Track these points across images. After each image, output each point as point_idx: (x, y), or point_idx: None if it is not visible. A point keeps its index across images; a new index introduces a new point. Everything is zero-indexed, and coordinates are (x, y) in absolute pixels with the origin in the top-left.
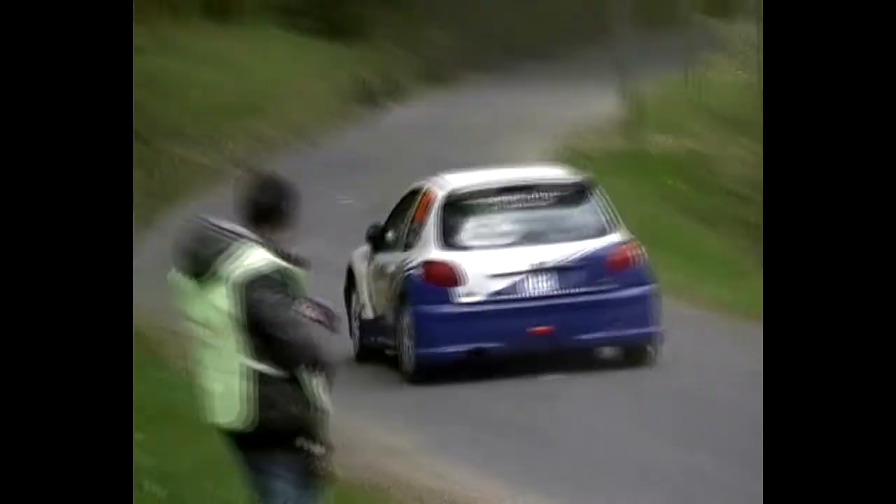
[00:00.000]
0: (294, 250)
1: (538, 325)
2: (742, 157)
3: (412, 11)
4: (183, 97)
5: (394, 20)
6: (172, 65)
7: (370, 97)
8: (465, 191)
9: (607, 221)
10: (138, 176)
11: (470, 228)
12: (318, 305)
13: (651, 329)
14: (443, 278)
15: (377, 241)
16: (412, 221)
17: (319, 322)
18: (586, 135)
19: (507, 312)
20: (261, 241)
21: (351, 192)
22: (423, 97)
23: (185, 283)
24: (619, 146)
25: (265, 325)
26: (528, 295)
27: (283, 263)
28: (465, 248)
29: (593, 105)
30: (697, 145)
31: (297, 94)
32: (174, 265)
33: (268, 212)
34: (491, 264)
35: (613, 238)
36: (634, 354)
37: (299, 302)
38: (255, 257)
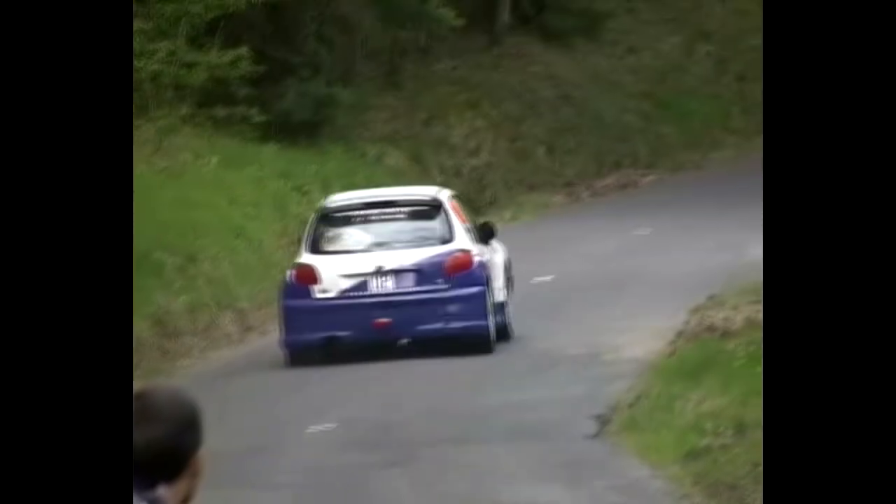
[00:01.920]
0: None
1: (380, 318)
2: None
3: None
4: None
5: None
6: None
7: None
8: (334, 205)
9: (451, 232)
10: None
11: (333, 237)
12: None
13: (482, 322)
14: (305, 278)
15: None
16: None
17: None
18: None
19: (353, 307)
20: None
21: None
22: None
23: None
24: None
25: None
26: (371, 293)
27: None
28: (326, 252)
29: None
30: None
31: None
32: None
33: (158, 457)
34: (343, 267)
35: (453, 246)
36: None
37: None
38: None
